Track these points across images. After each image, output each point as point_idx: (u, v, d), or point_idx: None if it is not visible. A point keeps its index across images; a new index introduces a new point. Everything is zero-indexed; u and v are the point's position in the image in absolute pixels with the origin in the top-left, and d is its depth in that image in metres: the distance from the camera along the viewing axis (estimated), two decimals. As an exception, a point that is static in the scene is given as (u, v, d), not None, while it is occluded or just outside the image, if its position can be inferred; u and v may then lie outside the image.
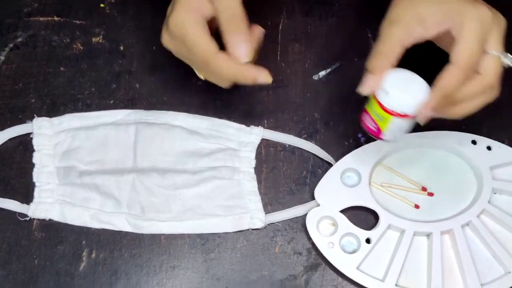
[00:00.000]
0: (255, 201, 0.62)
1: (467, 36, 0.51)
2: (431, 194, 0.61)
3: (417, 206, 0.61)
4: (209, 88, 0.66)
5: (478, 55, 0.51)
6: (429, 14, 0.52)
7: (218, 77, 0.56)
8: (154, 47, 0.68)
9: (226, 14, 0.53)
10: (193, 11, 0.53)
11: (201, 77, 0.60)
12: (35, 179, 0.62)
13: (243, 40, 0.53)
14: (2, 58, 0.68)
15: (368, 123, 0.57)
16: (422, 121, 0.53)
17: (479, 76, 0.53)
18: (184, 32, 0.53)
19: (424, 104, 0.52)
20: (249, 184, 0.62)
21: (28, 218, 0.61)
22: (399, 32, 0.52)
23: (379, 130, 0.56)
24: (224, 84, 0.57)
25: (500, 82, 0.54)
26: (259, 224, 0.61)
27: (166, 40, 0.56)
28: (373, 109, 0.55)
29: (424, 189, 0.61)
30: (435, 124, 0.64)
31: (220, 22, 0.53)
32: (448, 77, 0.51)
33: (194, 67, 0.58)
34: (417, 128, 0.64)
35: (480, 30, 0.51)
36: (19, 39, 0.69)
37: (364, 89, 0.53)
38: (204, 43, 0.53)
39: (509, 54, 0.53)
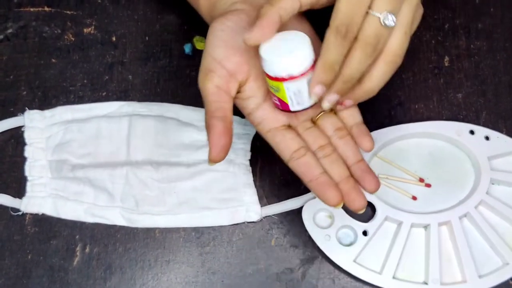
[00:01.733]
0: (250, 194, 0.61)
1: None
2: (428, 185, 0.60)
3: (414, 198, 0.60)
4: (203, 79, 0.65)
5: (354, 16, 0.46)
6: None
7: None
8: (147, 38, 0.67)
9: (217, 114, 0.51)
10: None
11: None
12: (27, 173, 0.61)
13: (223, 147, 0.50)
14: (-8, 50, 0.67)
15: (274, 101, 0.52)
16: (325, 105, 0.50)
17: (359, 41, 0.47)
18: None
19: (312, 83, 0.48)
20: (244, 177, 0.61)
21: (20, 213, 0.60)
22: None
23: (283, 103, 0.51)
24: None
25: (400, 49, 0.49)
26: (254, 217, 0.60)
27: None
28: (268, 84, 0.51)
29: (421, 180, 0.61)
30: (433, 114, 0.64)
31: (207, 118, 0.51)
32: (326, 44, 0.47)
33: None
34: (414, 118, 0.64)
35: None
36: (9, 30, 0.68)
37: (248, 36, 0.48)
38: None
39: (391, 14, 0.47)
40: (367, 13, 0.47)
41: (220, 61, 0.50)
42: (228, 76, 0.51)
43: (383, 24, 0.47)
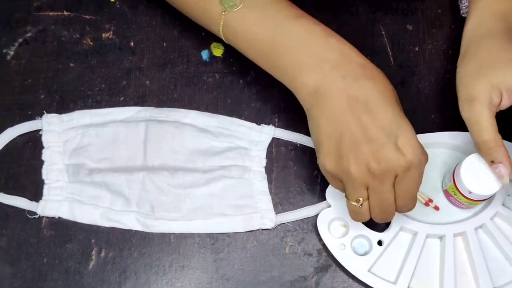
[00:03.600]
0: (265, 201, 0.61)
1: None
2: (437, 208, 0.60)
3: (430, 201, 0.60)
4: (220, 85, 0.66)
5: None
6: (500, 82, 0.53)
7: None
8: (164, 44, 0.68)
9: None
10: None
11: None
12: (44, 176, 0.62)
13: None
14: (12, 53, 0.67)
15: (454, 201, 0.60)
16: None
17: None
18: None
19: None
20: (260, 184, 0.62)
21: (37, 216, 0.61)
22: (484, 110, 0.53)
23: (468, 207, 0.60)
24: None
25: None
26: (269, 224, 0.60)
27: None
28: (458, 196, 0.58)
29: (429, 202, 0.61)
30: (448, 124, 0.64)
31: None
32: None
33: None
34: (429, 128, 0.64)
35: None
36: (29, 34, 0.68)
37: (504, 181, 0.54)
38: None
39: None
40: None
41: None
42: None
43: None
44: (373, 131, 0.50)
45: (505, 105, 0.54)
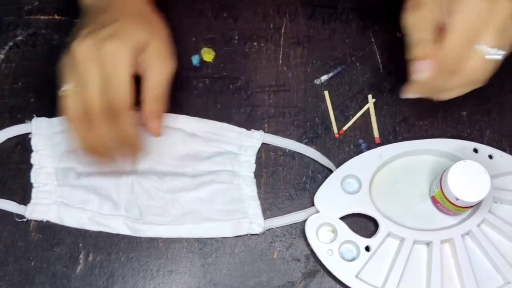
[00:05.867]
0: (254, 206, 0.61)
1: (455, 32, 0.51)
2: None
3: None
4: (210, 90, 0.66)
5: (460, 52, 0.51)
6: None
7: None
8: (155, 48, 0.68)
9: (151, 94, 0.56)
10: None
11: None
12: (32, 180, 0.62)
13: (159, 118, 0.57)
14: (2, 56, 0.67)
15: (441, 208, 0.60)
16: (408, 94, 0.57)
17: (461, 72, 0.52)
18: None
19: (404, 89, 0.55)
20: (249, 189, 0.62)
21: (25, 219, 0.60)
22: (430, 16, 0.52)
23: (455, 213, 0.60)
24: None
25: (488, 75, 0.53)
26: (257, 230, 0.60)
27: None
28: (445, 203, 0.58)
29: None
30: (437, 131, 0.64)
31: (143, 96, 0.56)
32: None
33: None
34: (418, 135, 0.64)
35: (468, 26, 0.51)
36: (19, 38, 0.68)
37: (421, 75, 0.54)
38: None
39: (496, 49, 0.51)
40: None
41: None
42: None
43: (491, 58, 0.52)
44: None
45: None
